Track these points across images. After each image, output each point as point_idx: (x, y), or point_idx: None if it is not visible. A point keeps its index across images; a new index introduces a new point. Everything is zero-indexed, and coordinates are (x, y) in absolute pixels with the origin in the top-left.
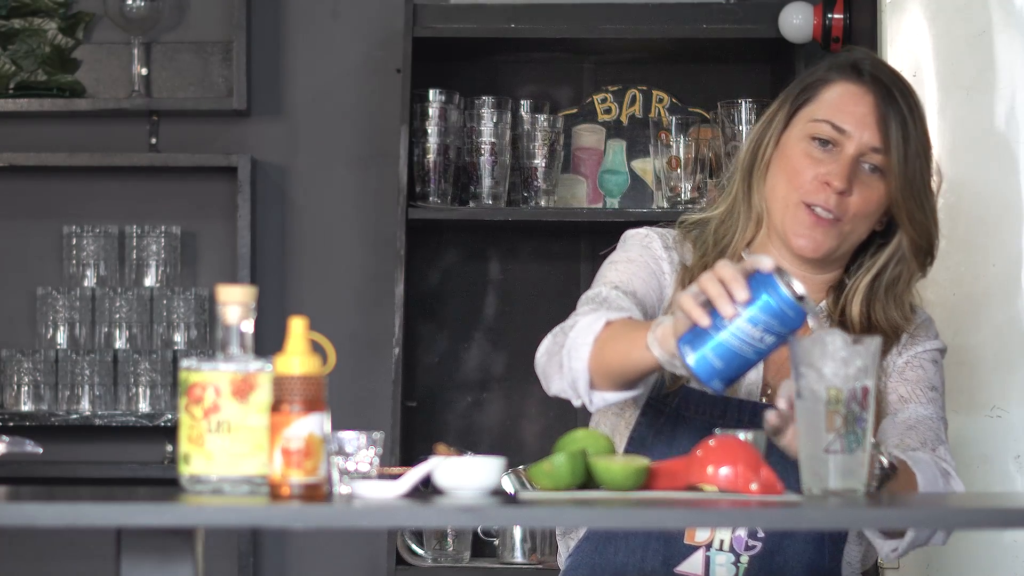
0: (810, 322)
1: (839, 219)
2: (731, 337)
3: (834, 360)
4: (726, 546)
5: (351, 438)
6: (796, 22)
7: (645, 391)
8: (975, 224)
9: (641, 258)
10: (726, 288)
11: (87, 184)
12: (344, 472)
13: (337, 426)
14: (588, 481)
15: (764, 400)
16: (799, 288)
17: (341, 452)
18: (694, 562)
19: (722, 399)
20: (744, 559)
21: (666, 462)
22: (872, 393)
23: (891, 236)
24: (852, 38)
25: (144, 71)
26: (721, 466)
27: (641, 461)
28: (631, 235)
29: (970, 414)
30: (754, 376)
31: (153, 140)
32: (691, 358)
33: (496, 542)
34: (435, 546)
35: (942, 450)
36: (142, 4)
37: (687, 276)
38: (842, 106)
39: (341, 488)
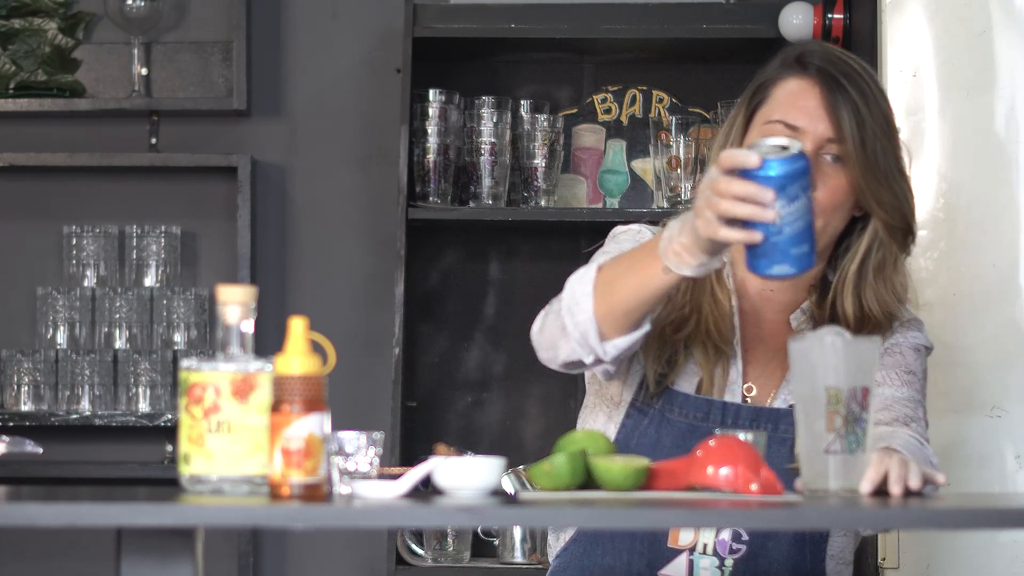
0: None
1: None
2: (791, 227)
3: (834, 360)
4: (709, 550)
5: (351, 438)
6: (796, 22)
7: (653, 328)
8: (975, 224)
9: (631, 239)
10: (748, 200)
11: (87, 184)
12: (344, 472)
13: (337, 426)
14: (588, 481)
15: (746, 398)
16: (779, 142)
17: (341, 452)
18: (678, 566)
19: (705, 400)
20: (728, 562)
21: (666, 462)
22: (872, 393)
23: (869, 222)
24: (852, 38)
25: (144, 71)
26: (721, 466)
27: (641, 461)
28: (622, 230)
29: (970, 414)
30: (734, 376)
31: (153, 140)
32: (779, 269)
33: (496, 542)
34: (435, 546)
35: (915, 426)
36: (142, 4)
37: None
38: (792, 103)
39: (341, 488)
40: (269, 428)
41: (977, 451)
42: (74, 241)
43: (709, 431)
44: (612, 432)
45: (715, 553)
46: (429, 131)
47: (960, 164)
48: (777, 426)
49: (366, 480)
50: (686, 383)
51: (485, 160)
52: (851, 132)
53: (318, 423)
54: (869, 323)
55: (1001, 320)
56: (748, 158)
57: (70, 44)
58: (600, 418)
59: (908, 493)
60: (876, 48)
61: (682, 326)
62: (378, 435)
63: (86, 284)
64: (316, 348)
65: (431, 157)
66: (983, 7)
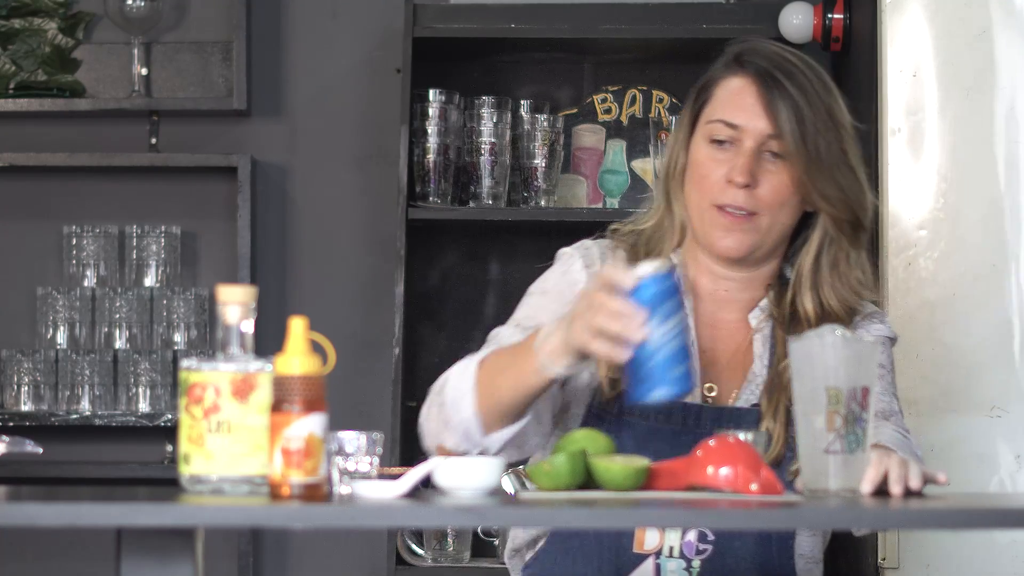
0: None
1: (754, 213)
2: (666, 348)
3: (834, 360)
4: (676, 552)
5: (351, 438)
6: (796, 22)
7: (534, 416)
8: (975, 224)
9: (555, 288)
10: (618, 318)
11: (87, 184)
12: (344, 472)
13: (337, 426)
14: (588, 481)
15: (707, 398)
16: (650, 267)
17: (341, 452)
18: (645, 570)
19: (667, 403)
20: (696, 564)
21: (666, 462)
22: (872, 393)
23: (819, 217)
24: (852, 38)
25: (144, 71)
26: (721, 466)
27: (641, 461)
28: (559, 256)
29: (970, 414)
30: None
31: (153, 140)
32: (658, 394)
33: (496, 542)
34: (435, 546)
35: (896, 419)
36: (142, 4)
37: None
38: (731, 102)
39: (341, 488)
40: (269, 428)
41: (977, 451)
42: (74, 241)
43: (671, 433)
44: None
45: (682, 555)
46: (429, 131)
47: (960, 164)
48: (740, 425)
49: (366, 480)
50: None
51: (485, 160)
52: (790, 128)
53: (318, 423)
54: (830, 319)
55: (1000, 320)
56: (622, 279)
57: (70, 44)
58: (559, 430)
59: (908, 493)
60: (876, 48)
61: None
62: (378, 435)
63: (86, 284)
64: (316, 348)
65: (431, 157)
66: (983, 7)
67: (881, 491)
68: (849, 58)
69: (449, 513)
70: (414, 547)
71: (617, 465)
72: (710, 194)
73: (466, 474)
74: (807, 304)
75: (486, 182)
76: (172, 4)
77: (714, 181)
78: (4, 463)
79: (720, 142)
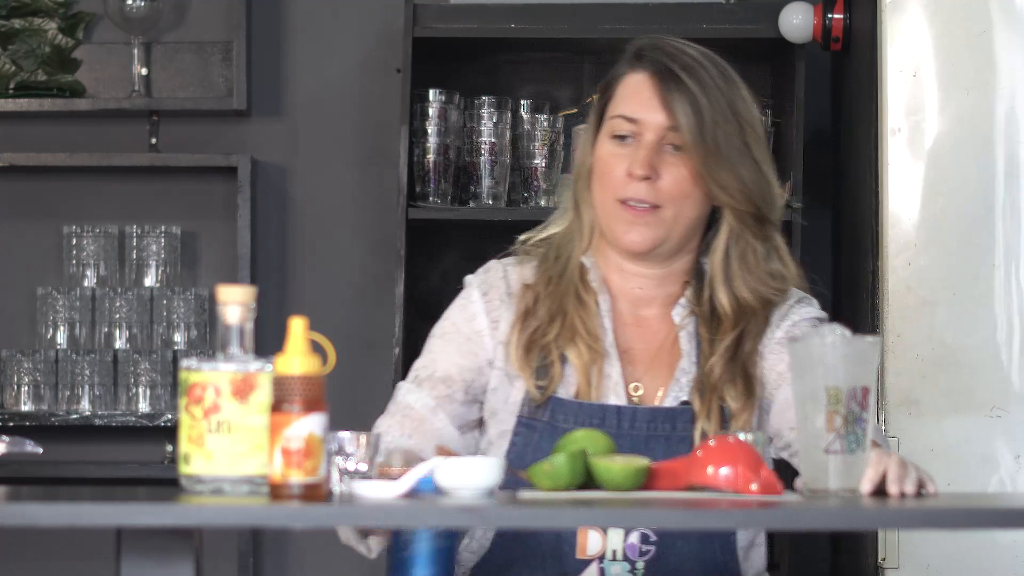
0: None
1: (657, 206)
2: (420, 545)
3: (834, 359)
4: (619, 555)
5: (351, 438)
6: (796, 22)
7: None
8: (975, 224)
9: (454, 327)
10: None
11: (87, 184)
12: (344, 472)
13: (337, 426)
14: (588, 481)
15: (632, 398)
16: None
17: (341, 452)
18: (589, 575)
19: (599, 407)
20: (640, 566)
21: (666, 462)
22: (872, 393)
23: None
24: (852, 38)
25: (144, 71)
26: (721, 466)
27: (641, 461)
28: (464, 283)
29: (970, 414)
30: (615, 376)
31: (153, 140)
32: None
33: None
34: None
35: None
36: (142, 4)
37: (530, 292)
38: (630, 97)
39: (341, 488)
40: (269, 428)
41: (977, 451)
42: (74, 241)
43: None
44: (503, 450)
45: (625, 558)
46: (429, 131)
47: (960, 164)
48: (675, 425)
49: (366, 480)
50: (566, 391)
51: (485, 160)
52: (687, 120)
53: (318, 423)
54: (747, 312)
55: (1001, 320)
56: (390, 491)
57: (70, 44)
58: (492, 436)
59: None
60: (876, 48)
61: (548, 331)
62: (378, 435)
63: (86, 284)
64: (316, 348)
65: (431, 157)
66: (983, 7)
67: (880, 491)
68: (849, 58)
69: (449, 513)
70: None
71: (617, 465)
72: (613, 189)
73: (466, 474)
74: (722, 299)
75: (486, 182)
76: (172, 4)
77: (616, 176)
78: (4, 463)
79: (621, 137)
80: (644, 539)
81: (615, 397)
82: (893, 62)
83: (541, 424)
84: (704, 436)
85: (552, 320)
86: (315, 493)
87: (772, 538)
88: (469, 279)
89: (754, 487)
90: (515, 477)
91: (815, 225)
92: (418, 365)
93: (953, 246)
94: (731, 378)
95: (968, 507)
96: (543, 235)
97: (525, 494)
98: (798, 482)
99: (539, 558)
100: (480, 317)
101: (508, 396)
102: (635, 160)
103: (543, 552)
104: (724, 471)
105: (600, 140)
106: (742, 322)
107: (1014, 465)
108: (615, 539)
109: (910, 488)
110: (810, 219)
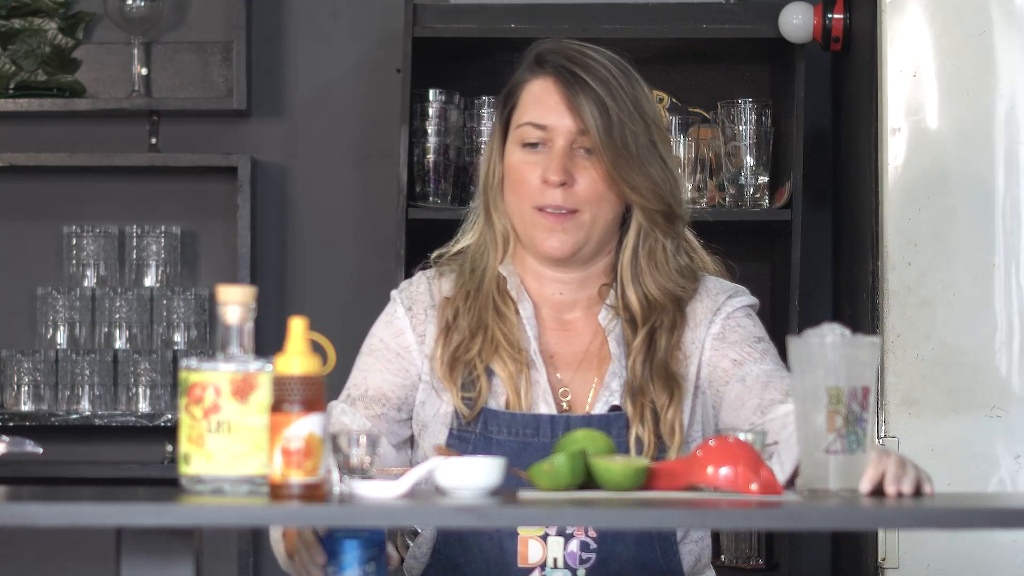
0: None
1: (575, 210)
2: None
3: (834, 359)
4: (560, 563)
5: (351, 438)
6: (796, 22)
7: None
8: (975, 224)
9: (381, 343)
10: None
11: (87, 184)
12: (344, 472)
13: None
14: (588, 481)
15: (563, 405)
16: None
17: (341, 452)
18: None
19: (532, 416)
20: (580, 573)
21: (666, 462)
22: (872, 393)
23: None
24: (852, 38)
25: (144, 71)
26: (721, 466)
27: (641, 461)
28: (391, 297)
29: (970, 414)
30: (543, 384)
31: (153, 140)
32: None
33: None
34: None
35: None
36: (142, 4)
37: (450, 307)
38: (537, 103)
39: (341, 488)
40: (269, 428)
41: (977, 451)
42: (74, 241)
43: (543, 446)
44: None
45: (566, 566)
46: (429, 131)
47: (960, 164)
48: (609, 432)
49: (366, 480)
50: (496, 402)
51: None
52: (594, 121)
53: (318, 423)
54: (656, 309)
55: (1001, 320)
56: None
57: (70, 44)
58: (425, 450)
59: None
60: (876, 48)
61: (470, 346)
62: (378, 435)
63: (86, 284)
64: (316, 348)
65: (431, 157)
66: (983, 7)
67: (879, 491)
68: (849, 58)
69: (449, 513)
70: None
71: (617, 465)
72: (529, 197)
73: (466, 474)
74: (631, 296)
75: None
76: (172, 4)
77: (531, 183)
78: (4, 463)
79: (532, 145)
80: (584, 547)
81: (544, 405)
82: (893, 62)
83: (474, 436)
84: (639, 442)
85: (474, 335)
86: (315, 493)
87: (772, 537)
88: (393, 294)
89: (754, 487)
90: (515, 477)
91: (815, 225)
92: (350, 384)
93: (953, 246)
94: (651, 377)
95: (968, 507)
96: (455, 249)
97: (525, 494)
98: (798, 482)
99: (482, 566)
100: (407, 333)
101: (438, 409)
102: (549, 167)
103: (486, 559)
104: (724, 471)
105: (509, 148)
106: (652, 318)
107: (1014, 465)
108: (555, 547)
109: (907, 488)
110: (810, 219)
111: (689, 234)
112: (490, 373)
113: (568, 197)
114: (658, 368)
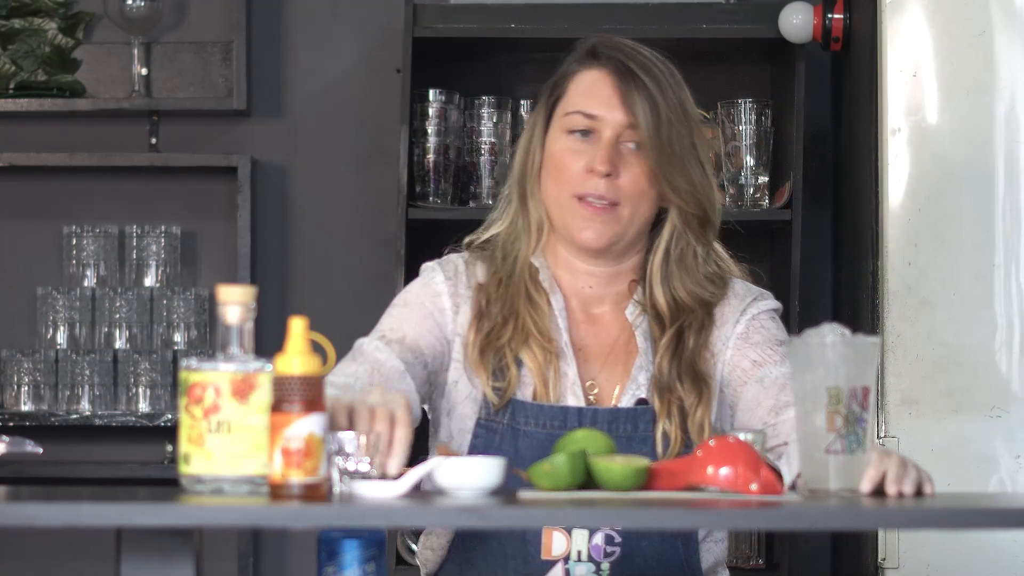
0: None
1: (616, 203)
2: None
3: (834, 359)
4: (584, 556)
5: (351, 438)
6: (796, 22)
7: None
8: (975, 224)
9: (417, 299)
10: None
11: (87, 184)
12: (344, 472)
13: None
14: (588, 481)
15: (589, 397)
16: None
17: (341, 452)
18: None
19: (560, 408)
20: (604, 567)
21: (666, 462)
22: (873, 393)
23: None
24: (852, 38)
25: (144, 71)
26: (721, 466)
27: (641, 461)
28: (423, 269)
29: (970, 414)
30: (572, 376)
31: (153, 140)
32: None
33: None
34: None
35: None
36: (142, 4)
37: (483, 293)
38: (588, 93)
39: (341, 488)
40: (269, 428)
41: (977, 451)
42: (74, 241)
43: None
44: (463, 452)
45: (590, 559)
46: (429, 131)
47: (960, 164)
48: (636, 426)
49: (366, 480)
50: (523, 393)
51: (485, 160)
52: (645, 117)
53: (318, 423)
54: (684, 311)
55: (1001, 320)
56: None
57: (70, 44)
58: (452, 431)
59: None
60: (876, 48)
61: (502, 333)
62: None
63: (86, 284)
64: (316, 348)
65: (431, 157)
66: (983, 7)
67: (879, 491)
68: (849, 58)
69: (449, 513)
70: (414, 547)
71: (617, 465)
72: (570, 185)
73: (466, 474)
74: (659, 297)
75: (486, 182)
76: (172, 4)
77: (574, 172)
78: (4, 463)
79: (579, 133)
80: (609, 540)
81: (572, 396)
82: (893, 62)
83: (502, 426)
84: (665, 437)
85: (505, 322)
86: (315, 493)
87: (772, 537)
88: (429, 264)
89: (754, 487)
90: (515, 477)
91: (815, 225)
92: (383, 327)
93: (953, 246)
94: (680, 375)
95: (968, 507)
96: (486, 235)
97: (525, 494)
98: (799, 482)
99: (501, 559)
100: (444, 296)
101: (469, 393)
102: (595, 157)
103: (506, 552)
104: (724, 471)
105: (553, 136)
106: (680, 318)
107: (1014, 465)
108: (580, 540)
109: (908, 488)
110: (810, 219)
111: (718, 245)
112: (519, 364)
113: (611, 189)
114: (686, 367)
